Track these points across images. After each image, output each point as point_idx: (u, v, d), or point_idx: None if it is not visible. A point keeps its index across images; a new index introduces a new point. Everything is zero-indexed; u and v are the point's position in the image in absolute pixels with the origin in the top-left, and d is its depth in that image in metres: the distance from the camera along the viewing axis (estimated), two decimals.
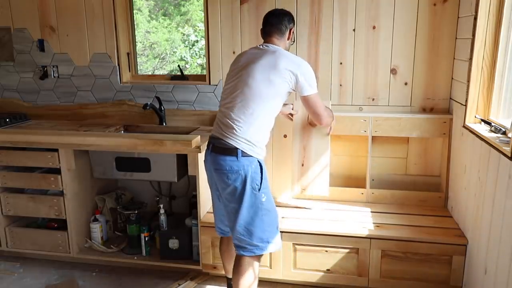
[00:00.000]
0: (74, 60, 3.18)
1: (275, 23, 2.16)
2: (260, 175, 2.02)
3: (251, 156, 2.01)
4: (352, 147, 2.86)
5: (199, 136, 2.49)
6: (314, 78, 2.12)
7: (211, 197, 2.24)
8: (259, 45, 2.16)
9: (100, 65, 3.14)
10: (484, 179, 2.02)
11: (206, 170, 2.17)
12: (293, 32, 2.23)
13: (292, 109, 2.63)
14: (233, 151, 1.99)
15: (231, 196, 2.02)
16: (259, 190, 2.01)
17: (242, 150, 1.98)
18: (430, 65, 2.66)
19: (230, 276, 2.33)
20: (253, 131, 2.01)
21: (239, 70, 2.08)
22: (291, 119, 2.68)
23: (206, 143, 2.18)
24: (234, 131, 2.00)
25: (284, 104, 2.36)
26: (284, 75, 2.02)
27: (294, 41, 2.37)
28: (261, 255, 2.10)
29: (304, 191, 2.76)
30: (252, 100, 2.00)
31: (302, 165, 2.75)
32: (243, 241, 2.04)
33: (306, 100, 2.16)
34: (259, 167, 2.03)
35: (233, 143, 1.99)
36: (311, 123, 2.68)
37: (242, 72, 2.06)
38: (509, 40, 2.10)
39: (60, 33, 3.15)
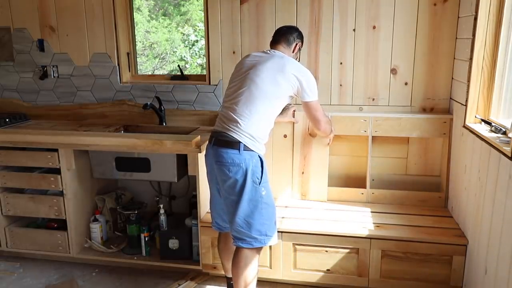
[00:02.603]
0: (74, 60, 3.18)
1: (284, 33, 2.30)
2: (260, 169, 2.08)
3: (253, 150, 2.06)
4: (352, 147, 2.86)
5: (199, 136, 2.49)
6: (316, 87, 2.24)
7: (209, 192, 2.27)
8: (266, 50, 2.27)
9: (100, 65, 3.14)
10: (484, 179, 2.02)
11: (206, 165, 2.21)
12: (299, 48, 2.36)
13: (293, 116, 2.67)
14: (235, 145, 2.04)
15: (232, 189, 2.05)
16: (259, 183, 2.06)
17: (244, 144, 2.04)
18: (430, 65, 2.66)
19: (229, 275, 2.33)
20: (256, 127, 2.07)
21: (246, 69, 2.15)
22: (294, 122, 2.75)
23: (206, 143, 2.21)
24: (238, 124, 2.05)
25: (283, 110, 2.45)
26: (290, 79, 2.12)
27: (299, 60, 2.42)
28: (260, 249, 2.13)
29: (304, 197, 2.86)
30: (258, 98, 2.08)
31: (302, 173, 2.83)
32: (242, 233, 2.07)
33: (307, 106, 2.28)
34: (259, 161, 2.08)
35: (236, 136, 2.04)
36: (312, 133, 2.77)
37: (249, 71, 2.13)
38: (509, 40, 2.10)
39: (60, 33, 3.15)
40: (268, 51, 2.24)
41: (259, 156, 2.09)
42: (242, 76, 2.15)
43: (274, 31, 2.36)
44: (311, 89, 2.19)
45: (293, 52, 2.31)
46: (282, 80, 2.10)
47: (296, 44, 2.31)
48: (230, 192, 2.07)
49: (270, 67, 2.11)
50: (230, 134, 2.05)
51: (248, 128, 2.05)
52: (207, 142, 2.19)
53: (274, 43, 2.30)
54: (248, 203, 2.04)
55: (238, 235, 2.08)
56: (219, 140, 2.08)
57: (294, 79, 2.13)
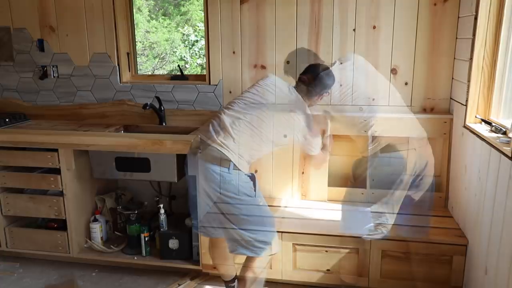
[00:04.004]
0: (74, 60, 3.18)
1: (307, 84, 2.31)
2: (252, 183, 2.12)
3: (239, 170, 2.10)
4: (352, 147, 2.86)
5: (199, 136, 2.49)
6: (320, 143, 2.39)
7: (198, 197, 2.28)
8: (291, 89, 2.30)
9: (100, 65, 3.14)
10: (484, 179, 2.02)
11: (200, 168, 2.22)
12: (324, 95, 2.40)
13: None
14: (225, 163, 2.07)
15: (226, 204, 2.07)
16: (255, 195, 2.11)
17: (234, 163, 2.07)
18: (431, 65, 2.66)
19: (226, 279, 2.35)
20: (245, 151, 2.12)
21: (267, 101, 2.21)
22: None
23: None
24: (232, 142, 2.08)
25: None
26: (297, 136, 2.26)
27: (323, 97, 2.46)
28: (269, 255, 2.18)
29: (304, 197, 2.86)
30: (262, 134, 2.15)
31: (303, 173, 2.84)
32: (247, 244, 2.09)
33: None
34: (247, 177, 2.13)
35: (227, 154, 2.06)
36: None
37: (269, 106, 2.19)
38: (509, 40, 2.10)
39: (60, 33, 3.15)
40: (293, 93, 2.27)
41: (244, 173, 2.13)
42: (260, 105, 2.18)
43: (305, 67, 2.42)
44: (313, 145, 2.34)
45: (315, 100, 2.37)
46: (289, 135, 2.21)
47: (319, 95, 2.35)
48: (224, 205, 2.08)
49: (287, 120, 2.21)
50: (222, 151, 2.07)
51: (239, 149, 2.08)
52: (200, 146, 2.20)
53: (298, 87, 2.32)
54: (248, 216, 2.07)
55: (245, 245, 2.11)
56: (209, 155, 2.09)
57: (301, 137, 2.24)
